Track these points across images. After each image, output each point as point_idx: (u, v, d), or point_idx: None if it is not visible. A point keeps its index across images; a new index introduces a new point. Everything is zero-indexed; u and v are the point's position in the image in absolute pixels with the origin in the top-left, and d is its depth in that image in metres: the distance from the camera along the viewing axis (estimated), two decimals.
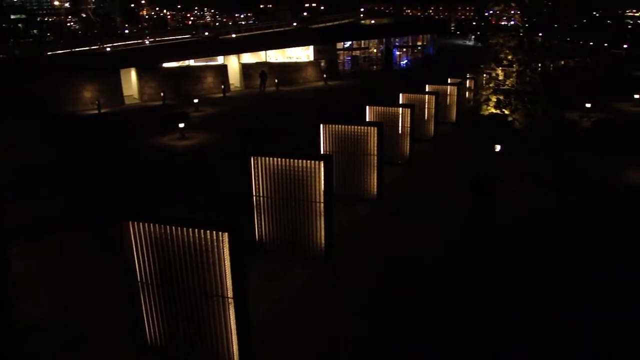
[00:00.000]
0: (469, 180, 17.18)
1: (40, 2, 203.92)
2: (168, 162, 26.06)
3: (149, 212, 9.60)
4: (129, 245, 9.44)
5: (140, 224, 9.28)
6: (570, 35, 37.95)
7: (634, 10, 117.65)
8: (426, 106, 27.69)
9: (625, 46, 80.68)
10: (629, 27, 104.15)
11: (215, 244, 9.05)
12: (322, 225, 14.08)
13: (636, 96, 39.72)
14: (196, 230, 9.06)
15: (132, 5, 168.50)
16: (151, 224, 9.23)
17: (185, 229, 9.10)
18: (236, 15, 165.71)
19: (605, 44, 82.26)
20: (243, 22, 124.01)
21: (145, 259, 9.50)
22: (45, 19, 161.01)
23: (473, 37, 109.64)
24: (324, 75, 54.15)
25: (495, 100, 28.78)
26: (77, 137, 32.90)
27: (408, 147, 23.35)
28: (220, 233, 8.96)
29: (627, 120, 35.08)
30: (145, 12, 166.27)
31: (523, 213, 18.11)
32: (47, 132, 33.92)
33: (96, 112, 39.73)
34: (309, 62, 56.21)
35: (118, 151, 28.85)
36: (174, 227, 9.15)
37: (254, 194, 14.27)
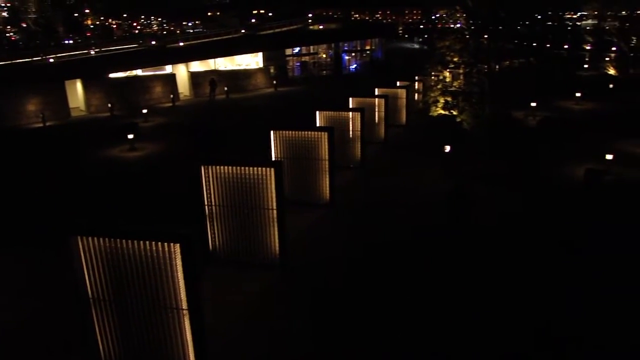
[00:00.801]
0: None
1: None
2: (117, 174, 25.59)
3: (97, 226, 9.44)
4: (78, 260, 9.26)
5: (89, 238, 9.11)
6: (514, 37, 39.00)
7: (572, 13, 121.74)
8: (376, 109, 28.01)
9: (566, 47, 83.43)
10: (569, 28, 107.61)
11: (167, 255, 8.97)
12: (276, 232, 14.08)
13: (578, 94, 41.09)
14: (147, 242, 8.97)
15: (76, 14, 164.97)
16: (100, 238, 9.08)
17: (135, 241, 8.99)
18: (184, 23, 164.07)
19: (548, 45, 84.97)
20: (191, 30, 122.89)
21: (96, 274, 9.34)
22: None
23: (420, 40, 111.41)
24: (274, 82, 54.17)
25: (443, 101, 29.33)
26: (21, 151, 31.99)
27: (359, 150, 23.59)
28: (171, 244, 8.90)
29: (570, 118, 36.23)
30: (89, 22, 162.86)
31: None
32: None
33: (41, 125, 38.69)
34: (259, 69, 56.14)
35: (65, 165, 28.14)
36: (124, 240, 9.03)
37: (206, 203, 14.17)
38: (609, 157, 23.01)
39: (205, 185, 14.00)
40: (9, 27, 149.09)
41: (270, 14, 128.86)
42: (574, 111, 38.97)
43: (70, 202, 21.67)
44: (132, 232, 9.09)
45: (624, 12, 59.46)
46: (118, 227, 9.54)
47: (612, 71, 48.34)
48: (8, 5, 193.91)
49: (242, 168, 13.70)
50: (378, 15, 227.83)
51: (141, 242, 8.97)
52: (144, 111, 38.85)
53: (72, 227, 9.28)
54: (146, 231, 9.11)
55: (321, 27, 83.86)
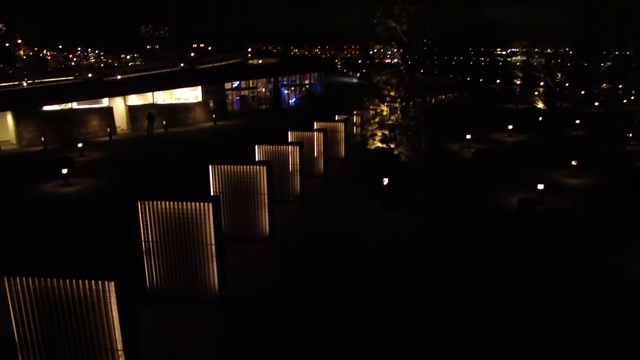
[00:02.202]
0: None
1: None
2: (49, 210, 24.75)
3: (25, 265, 9.11)
4: (3, 302, 8.88)
5: (16, 278, 8.78)
6: (448, 72, 40.35)
7: (503, 49, 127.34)
8: (315, 143, 28.29)
9: (498, 81, 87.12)
10: (500, 64, 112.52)
11: (101, 294, 8.75)
12: (215, 268, 13.94)
13: (510, 127, 42.72)
14: (80, 280, 8.73)
15: (7, 44, 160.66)
16: (29, 278, 8.76)
17: (67, 280, 8.73)
18: (122, 55, 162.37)
19: (481, 80, 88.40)
20: (130, 63, 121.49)
21: (24, 316, 8.98)
22: None
23: (359, 74, 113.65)
24: (213, 116, 53.95)
25: (381, 134, 29.96)
26: None
27: (298, 184, 23.73)
28: (105, 282, 8.69)
29: (503, 149, 37.58)
30: (22, 52, 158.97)
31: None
32: None
33: None
34: (198, 103, 55.80)
35: None
36: (54, 280, 8.75)
37: (143, 239, 13.91)
38: (540, 187, 23.96)
39: (142, 220, 13.76)
40: None
41: (209, 48, 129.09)
42: (506, 143, 40.45)
43: None
44: (63, 271, 8.84)
45: (549, 50, 62.60)
46: (48, 265, 9.25)
47: (540, 105, 50.59)
48: None
49: (180, 203, 13.57)
50: (317, 50, 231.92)
51: (73, 280, 8.72)
52: (80, 145, 37.89)
53: None
54: (78, 269, 8.88)
55: (260, 61, 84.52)
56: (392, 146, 29.65)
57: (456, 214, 22.79)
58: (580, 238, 19.99)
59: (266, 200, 18.65)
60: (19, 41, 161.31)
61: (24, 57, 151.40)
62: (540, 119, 49.37)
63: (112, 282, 8.64)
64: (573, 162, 29.47)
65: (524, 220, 21.91)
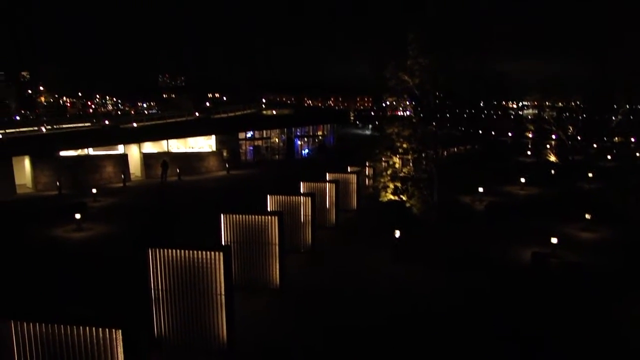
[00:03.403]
0: None
1: None
2: (61, 255, 24.79)
3: (33, 310, 9.08)
4: (9, 348, 8.82)
5: (23, 323, 8.74)
6: (460, 125, 40.61)
7: (514, 102, 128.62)
8: (327, 194, 28.34)
9: (510, 134, 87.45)
10: (512, 116, 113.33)
11: (108, 342, 8.67)
12: (224, 318, 13.80)
13: (522, 180, 42.63)
14: (87, 327, 8.67)
15: (30, 91, 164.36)
16: (36, 323, 8.72)
17: (74, 327, 8.67)
18: (139, 104, 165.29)
19: (493, 132, 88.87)
20: (146, 111, 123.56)
21: None
22: None
23: (371, 126, 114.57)
24: (227, 165, 54.30)
25: (393, 187, 29.96)
26: None
27: (310, 235, 23.65)
28: (113, 330, 8.62)
29: (516, 202, 37.37)
30: (43, 99, 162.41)
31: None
32: None
33: None
34: (211, 152, 56.32)
35: (4, 244, 27.13)
36: (62, 326, 8.70)
37: (152, 287, 13.85)
38: (554, 240, 23.70)
39: (152, 268, 13.73)
40: None
41: (224, 98, 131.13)
42: (519, 196, 40.22)
43: (4, 284, 20.79)
44: (70, 317, 8.79)
45: (560, 103, 63.04)
46: (56, 311, 9.21)
47: (553, 158, 50.61)
48: None
49: (190, 252, 13.56)
50: (330, 102, 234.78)
51: (80, 327, 8.66)
52: (94, 191, 38.20)
53: (5, 311, 8.90)
54: (86, 316, 8.83)
55: (274, 112, 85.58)
56: (404, 198, 29.63)
57: (468, 267, 22.54)
58: (595, 293, 19.64)
59: (277, 251, 18.59)
60: (41, 88, 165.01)
61: (45, 103, 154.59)
62: (553, 172, 49.28)
63: (120, 331, 8.57)
64: (587, 216, 29.20)
65: (537, 275, 21.60)
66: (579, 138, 53.78)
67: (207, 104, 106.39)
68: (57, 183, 41.53)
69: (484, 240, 27.07)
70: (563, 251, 24.00)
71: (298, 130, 72.09)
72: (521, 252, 24.40)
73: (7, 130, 50.91)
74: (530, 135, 69.38)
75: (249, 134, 65.79)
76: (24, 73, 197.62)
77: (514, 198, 39.30)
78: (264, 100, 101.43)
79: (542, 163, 53.73)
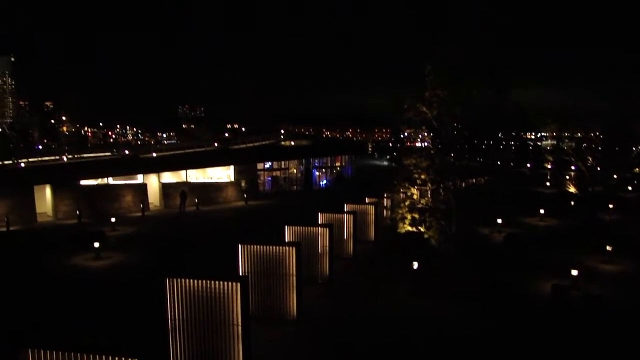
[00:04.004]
0: None
1: None
2: (79, 284, 24.89)
3: (51, 339, 9.10)
4: None
5: (41, 352, 8.76)
6: (478, 155, 40.49)
7: (532, 134, 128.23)
8: (345, 225, 28.26)
9: (528, 165, 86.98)
10: (530, 147, 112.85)
11: None
12: (240, 349, 13.71)
13: (541, 211, 42.18)
14: (104, 356, 8.65)
15: (53, 121, 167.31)
16: (54, 352, 8.73)
17: (92, 355, 8.67)
18: (158, 134, 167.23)
19: (511, 163, 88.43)
20: (165, 141, 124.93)
21: None
22: None
23: (389, 157, 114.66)
24: (245, 195, 54.48)
25: (410, 218, 29.78)
26: None
27: (327, 266, 23.54)
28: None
29: (535, 234, 36.94)
30: (65, 129, 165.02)
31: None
32: None
33: (4, 229, 37.94)
34: (230, 182, 56.60)
35: (24, 272, 27.34)
36: (79, 354, 8.70)
37: (169, 316, 13.83)
38: (574, 272, 23.33)
39: (170, 298, 13.73)
40: None
41: (243, 129, 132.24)
42: (538, 227, 39.78)
43: (23, 312, 20.89)
44: (88, 346, 8.79)
45: (579, 134, 62.67)
46: (73, 340, 9.22)
47: (572, 189, 50.06)
48: None
49: (208, 282, 13.55)
50: (348, 133, 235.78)
51: (97, 356, 8.65)
52: (113, 220, 38.51)
53: (23, 339, 8.93)
54: (103, 345, 8.82)
55: (292, 143, 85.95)
56: (422, 230, 29.44)
57: (487, 299, 22.23)
58: (616, 326, 19.24)
59: (295, 282, 18.51)
60: (64, 118, 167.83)
61: (67, 133, 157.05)
62: (572, 203, 48.74)
63: None
64: (608, 248, 28.76)
65: (557, 307, 21.24)
66: (598, 169, 53.23)
67: (226, 134, 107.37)
68: (77, 212, 41.95)
69: (502, 272, 26.74)
70: (584, 283, 23.63)
71: (316, 161, 72.27)
72: (541, 284, 24.05)
73: (30, 159, 51.71)
74: (549, 166, 68.87)
75: (268, 165, 66.03)
76: (47, 103, 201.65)
77: (533, 229, 38.88)
78: (282, 131, 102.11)
79: (561, 194, 53.19)
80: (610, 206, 44.83)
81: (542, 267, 27.38)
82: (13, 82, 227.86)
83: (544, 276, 25.11)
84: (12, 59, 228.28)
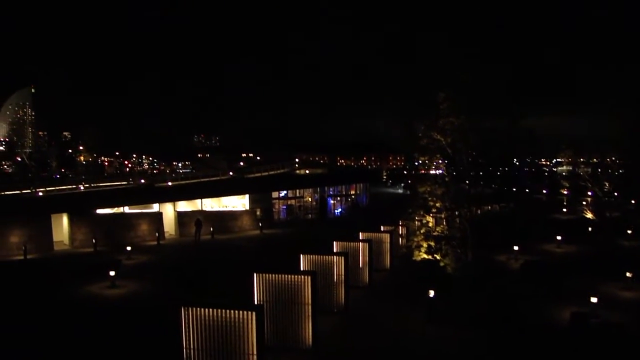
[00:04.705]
0: None
1: None
2: (95, 312, 24.94)
3: None
4: None
5: None
6: (493, 182, 40.26)
7: (548, 160, 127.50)
8: (360, 254, 28.15)
9: (544, 192, 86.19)
10: (546, 174, 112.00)
11: None
12: None
13: (558, 238, 41.74)
14: None
15: (70, 151, 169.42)
16: None
17: None
18: (174, 163, 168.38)
19: (527, 190, 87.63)
20: (181, 170, 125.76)
21: None
22: None
23: (404, 185, 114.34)
24: (260, 224, 54.47)
25: (426, 246, 29.65)
26: None
27: (343, 295, 23.40)
28: None
29: (552, 260, 36.51)
30: (82, 158, 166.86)
31: None
32: None
33: (22, 257, 38.22)
34: (245, 211, 56.67)
35: (39, 300, 27.45)
36: None
37: (184, 346, 13.79)
38: (593, 300, 22.97)
39: (185, 327, 13.71)
40: (4, 161, 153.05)
41: (258, 158, 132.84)
42: (555, 254, 39.34)
43: (38, 340, 20.93)
44: None
45: (595, 160, 62.13)
46: None
47: (589, 215, 49.51)
48: (6, 140, 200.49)
49: (223, 311, 13.52)
50: (363, 161, 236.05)
51: None
52: (128, 248, 38.67)
53: None
54: None
55: (307, 171, 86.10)
56: (437, 257, 29.25)
57: (504, 327, 21.93)
58: (638, 356, 18.86)
59: (310, 311, 18.41)
60: (81, 148, 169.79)
61: (84, 162, 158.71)
62: (590, 229, 48.20)
63: None
64: (627, 274, 28.32)
65: (577, 336, 20.87)
66: (615, 194, 52.67)
67: (241, 163, 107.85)
68: (93, 240, 42.19)
69: (520, 300, 26.40)
70: (603, 311, 23.26)
71: (331, 189, 72.29)
72: (559, 312, 23.74)
73: (48, 188, 52.25)
74: (565, 192, 68.24)
75: (282, 193, 66.15)
76: (65, 133, 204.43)
77: (551, 256, 38.48)
78: (297, 160, 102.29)
79: (578, 220, 52.67)
80: (629, 232, 44.25)
81: (560, 294, 27.03)
82: (33, 113, 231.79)
83: (562, 304, 24.79)
84: (33, 91, 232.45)
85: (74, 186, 55.43)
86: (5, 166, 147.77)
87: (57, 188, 54.03)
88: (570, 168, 70.93)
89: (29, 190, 50.47)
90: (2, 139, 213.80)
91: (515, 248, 36.39)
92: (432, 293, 22.86)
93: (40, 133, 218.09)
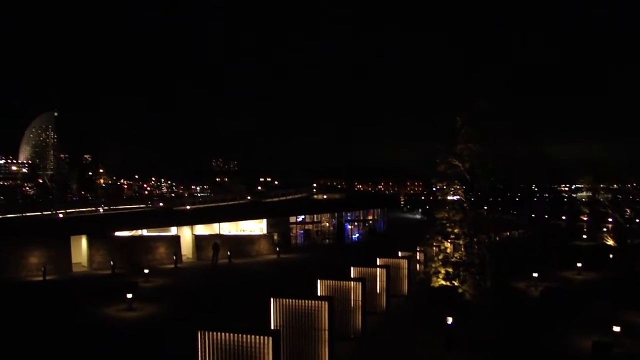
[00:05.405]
0: None
1: None
2: (111, 335, 24.96)
3: None
4: None
5: None
6: (512, 208, 39.93)
7: (567, 185, 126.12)
8: (377, 279, 27.94)
9: (563, 217, 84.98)
10: (565, 200, 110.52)
11: None
12: None
13: (579, 264, 41.12)
14: None
15: (90, 173, 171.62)
16: None
17: None
18: (192, 187, 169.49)
19: (546, 216, 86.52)
20: (199, 194, 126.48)
21: None
22: (1, 183, 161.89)
23: (421, 210, 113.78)
24: (277, 249, 54.43)
25: (444, 272, 29.38)
26: (13, 305, 31.49)
27: (360, 321, 23.21)
28: None
29: (573, 288, 35.92)
30: (102, 181, 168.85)
31: None
32: None
33: (41, 278, 38.54)
34: (262, 235, 56.71)
35: (57, 321, 27.58)
36: None
37: None
38: (616, 329, 22.49)
39: (201, 351, 13.66)
40: (26, 182, 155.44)
41: (276, 182, 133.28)
42: (576, 281, 38.75)
43: None
44: None
45: (615, 186, 61.30)
46: None
47: (610, 241, 48.75)
48: (29, 162, 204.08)
49: (240, 335, 13.46)
50: (380, 187, 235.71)
51: None
52: (146, 271, 38.80)
53: None
54: None
55: (325, 196, 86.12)
56: (456, 284, 28.96)
57: (525, 356, 21.55)
58: None
59: (327, 336, 18.26)
60: (101, 171, 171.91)
61: (104, 185, 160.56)
62: (611, 255, 47.44)
63: None
64: None
65: None
66: (637, 220, 51.90)
67: (259, 187, 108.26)
68: (111, 262, 42.42)
69: (540, 328, 25.97)
70: (627, 340, 22.76)
71: (348, 214, 72.18)
72: (581, 341, 23.28)
73: (68, 210, 52.82)
74: (585, 219, 67.30)
75: (300, 218, 66.16)
76: (86, 156, 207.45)
77: (571, 283, 37.92)
78: (314, 185, 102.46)
79: (599, 247, 51.92)
80: None
81: (582, 322, 26.51)
82: (55, 136, 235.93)
83: (583, 332, 24.30)
84: (56, 114, 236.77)
85: (93, 208, 56.01)
86: (28, 188, 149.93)
87: (77, 210, 54.61)
88: (590, 194, 70.10)
89: (49, 212, 51.07)
90: (25, 161, 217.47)
91: (535, 275, 35.90)
92: (450, 320, 22.58)
93: (61, 156, 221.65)
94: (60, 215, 49.65)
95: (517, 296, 33.42)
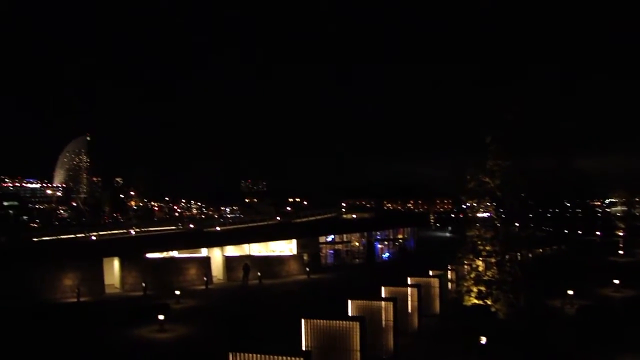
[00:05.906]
0: None
1: (33, 191, 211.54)
2: (143, 356, 25.11)
3: None
4: None
5: None
6: (544, 225, 39.37)
7: (600, 200, 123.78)
8: (409, 299, 27.65)
9: (597, 233, 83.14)
10: (599, 215, 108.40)
11: None
12: None
13: (616, 281, 40.05)
14: None
15: (122, 196, 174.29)
16: None
17: None
18: (222, 208, 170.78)
19: (579, 232, 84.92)
20: (229, 215, 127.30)
21: None
22: (37, 207, 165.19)
23: (451, 229, 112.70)
24: (307, 269, 54.33)
25: (476, 291, 28.99)
26: (49, 327, 31.94)
27: (392, 341, 22.95)
28: None
29: (612, 306, 34.96)
30: (133, 203, 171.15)
31: None
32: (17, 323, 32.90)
33: (75, 300, 39.07)
34: (292, 256, 56.71)
35: (90, 342, 27.85)
36: None
37: None
38: None
39: None
40: (60, 205, 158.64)
41: (305, 203, 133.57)
42: (614, 299, 37.67)
43: None
44: None
45: None
46: None
47: None
48: (63, 185, 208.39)
49: (271, 357, 13.41)
50: (410, 205, 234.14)
51: None
52: (177, 292, 39.04)
53: None
54: None
55: (354, 216, 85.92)
56: (489, 303, 28.51)
57: None
58: None
59: (359, 357, 18.09)
60: (132, 193, 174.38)
61: (135, 207, 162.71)
62: None
63: None
64: None
65: None
66: None
67: (288, 208, 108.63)
68: (143, 284, 42.81)
69: (577, 348, 25.31)
70: None
71: (378, 233, 71.82)
72: None
73: (100, 233, 53.64)
74: (620, 234, 65.76)
75: (330, 238, 66.02)
76: (118, 179, 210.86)
77: (609, 301, 36.88)
78: (344, 205, 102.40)
79: (637, 263, 50.60)
80: None
81: (623, 342, 25.75)
82: (88, 160, 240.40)
83: (625, 353, 23.62)
84: (88, 138, 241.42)
85: (125, 231, 56.77)
86: (62, 211, 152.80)
87: (109, 232, 55.45)
88: (625, 208, 68.70)
89: (82, 235, 51.93)
90: (59, 185, 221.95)
91: (570, 292, 35.07)
92: (484, 339, 22.20)
93: (94, 179, 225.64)
94: (93, 238, 50.42)
95: (552, 315, 32.71)
